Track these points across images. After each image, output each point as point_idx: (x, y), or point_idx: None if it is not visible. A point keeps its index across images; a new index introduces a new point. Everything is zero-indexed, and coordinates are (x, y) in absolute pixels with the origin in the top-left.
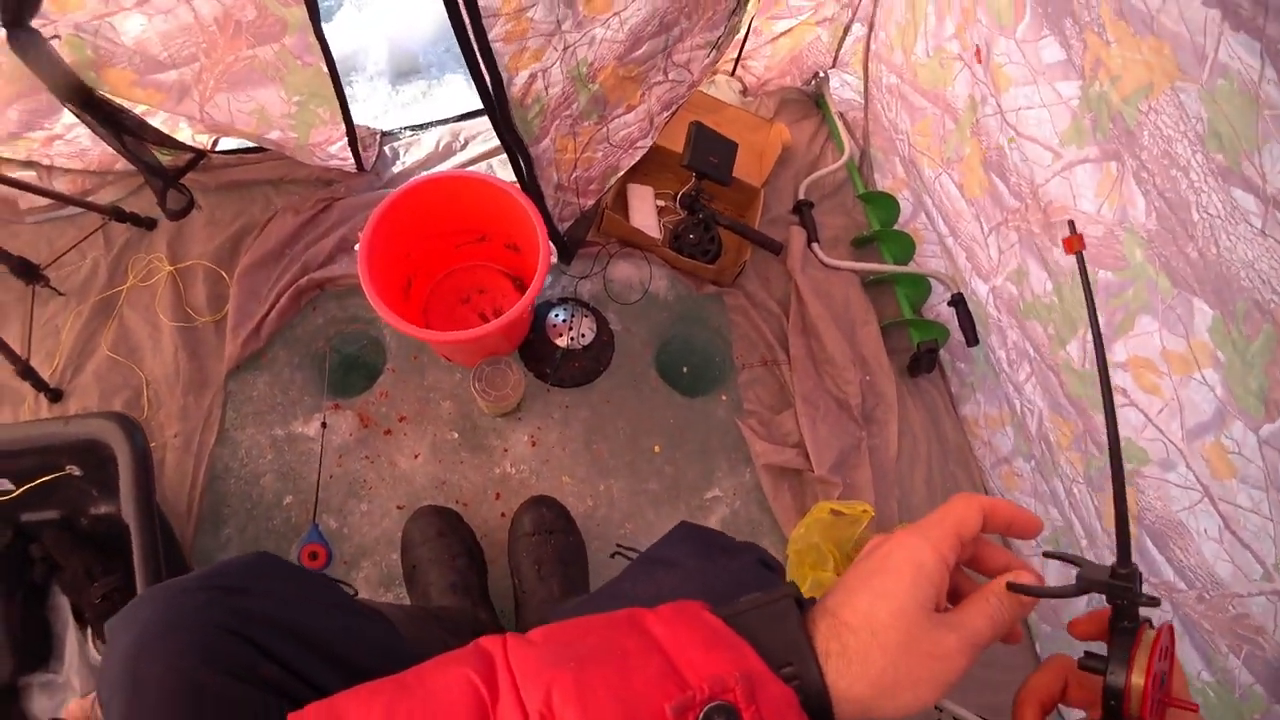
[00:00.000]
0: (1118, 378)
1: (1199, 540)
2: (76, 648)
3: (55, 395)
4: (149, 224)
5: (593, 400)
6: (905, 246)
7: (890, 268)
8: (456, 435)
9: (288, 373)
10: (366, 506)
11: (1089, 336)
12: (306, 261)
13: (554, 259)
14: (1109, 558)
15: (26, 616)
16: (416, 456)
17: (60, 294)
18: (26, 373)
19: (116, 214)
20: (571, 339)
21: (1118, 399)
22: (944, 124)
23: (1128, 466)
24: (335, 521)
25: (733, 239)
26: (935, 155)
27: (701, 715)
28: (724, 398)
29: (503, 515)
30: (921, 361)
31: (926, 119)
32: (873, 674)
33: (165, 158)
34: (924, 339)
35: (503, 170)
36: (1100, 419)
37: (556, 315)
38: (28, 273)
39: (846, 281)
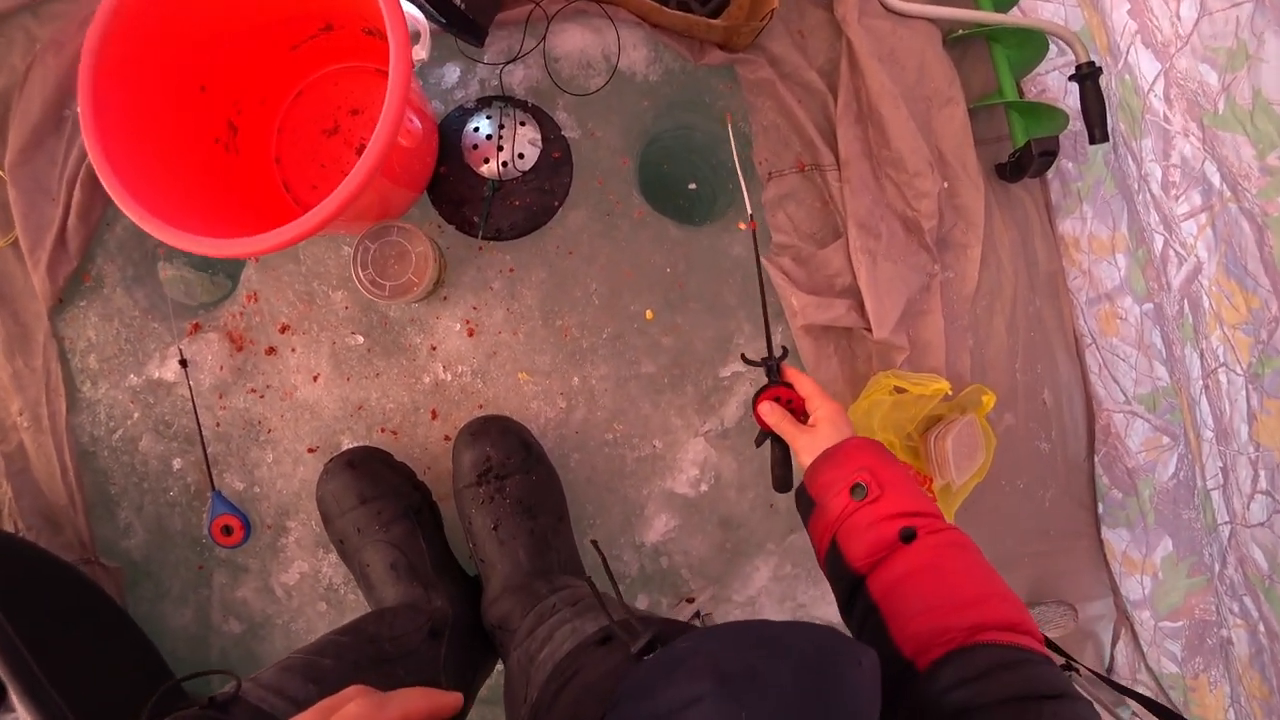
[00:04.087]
0: None
1: None
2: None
3: None
4: None
5: (548, 252)
6: None
7: (990, 16)
8: (362, 339)
9: (121, 294)
10: (272, 455)
11: None
12: None
13: (423, 44)
14: (1243, 466)
15: None
16: (316, 378)
17: None
18: None
19: None
20: (504, 163)
21: None
22: None
23: None
24: (241, 481)
25: None
26: None
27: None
28: (741, 225)
29: (446, 438)
30: (1025, 165)
31: None
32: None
33: None
34: (1038, 134)
35: None
36: None
37: (476, 129)
38: None
39: (924, 37)
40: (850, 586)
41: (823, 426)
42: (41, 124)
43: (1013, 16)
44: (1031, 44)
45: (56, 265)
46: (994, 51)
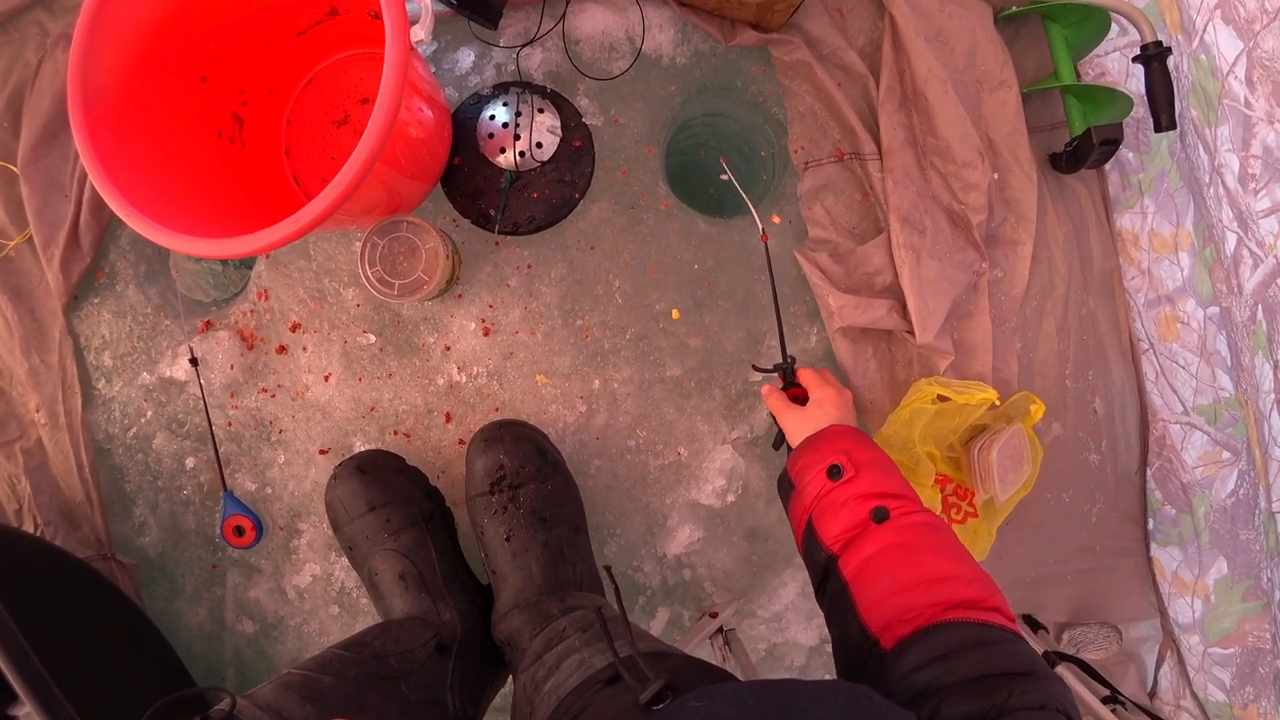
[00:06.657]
0: None
1: None
2: None
3: None
4: None
5: (568, 248)
6: None
7: None
8: (374, 338)
9: (134, 291)
10: (284, 456)
11: None
12: None
13: (422, 23)
14: None
15: None
16: (327, 378)
17: None
18: None
19: None
20: (521, 153)
21: None
22: None
23: None
24: (253, 482)
25: None
26: None
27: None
28: (776, 218)
29: (461, 442)
30: (1083, 155)
31: None
32: None
33: None
34: (1098, 120)
35: None
36: None
37: (492, 117)
38: None
39: (974, 15)
40: (824, 568)
41: (811, 408)
42: (53, 119)
43: None
44: (1091, 22)
45: (70, 262)
46: (1050, 31)
